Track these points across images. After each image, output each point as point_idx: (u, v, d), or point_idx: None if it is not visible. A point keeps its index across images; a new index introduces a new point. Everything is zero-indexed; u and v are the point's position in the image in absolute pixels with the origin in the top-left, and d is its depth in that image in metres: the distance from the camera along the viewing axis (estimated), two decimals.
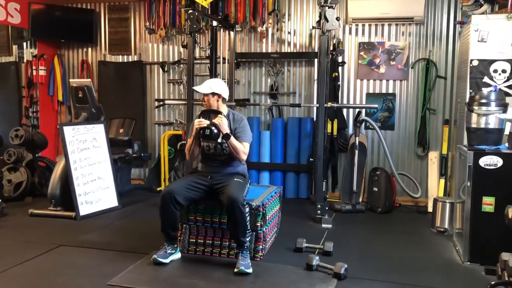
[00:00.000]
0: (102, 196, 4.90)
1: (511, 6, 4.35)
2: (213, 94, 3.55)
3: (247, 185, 3.64)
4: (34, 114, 6.68)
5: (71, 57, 6.81)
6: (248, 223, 3.37)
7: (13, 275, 3.17)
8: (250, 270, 3.20)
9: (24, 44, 6.71)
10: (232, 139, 3.44)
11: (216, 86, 3.58)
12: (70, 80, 5.65)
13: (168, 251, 3.41)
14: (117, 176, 5.23)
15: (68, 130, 4.73)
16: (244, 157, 3.52)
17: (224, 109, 3.61)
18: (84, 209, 4.66)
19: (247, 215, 3.36)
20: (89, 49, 6.71)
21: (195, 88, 3.70)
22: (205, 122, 3.39)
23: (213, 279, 3.14)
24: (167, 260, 3.37)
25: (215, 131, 3.37)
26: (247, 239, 3.37)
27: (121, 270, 3.22)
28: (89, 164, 4.83)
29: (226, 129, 3.40)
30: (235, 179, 3.48)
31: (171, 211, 3.34)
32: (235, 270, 3.19)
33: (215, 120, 3.40)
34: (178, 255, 3.50)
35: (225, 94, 3.64)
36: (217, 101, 3.57)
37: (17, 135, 5.27)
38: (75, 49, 6.78)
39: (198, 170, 3.70)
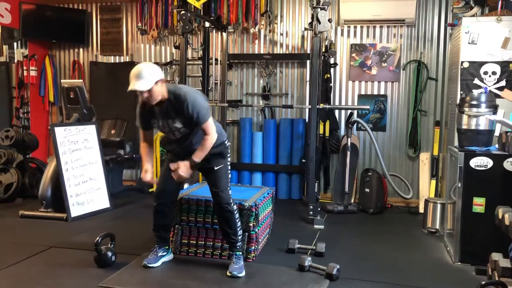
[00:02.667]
0: (93, 197, 4.87)
1: (501, 9, 4.39)
2: (156, 83, 2.95)
3: (228, 166, 3.31)
4: (25, 114, 6.63)
5: (62, 58, 6.77)
6: (238, 221, 3.31)
7: (3, 277, 3.14)
8: (242, 274, 3.18)
9: (15, 44, 6.66)
10: (199, 155, 3.05)
11: (150, 75, 2.94)
12: (62, 80, 5.62)
13: (159, 254, 3.39)
14: (109, 177, 5.20)
15: (59, 131, 4.70)
16: (214, 140, 3.07)
17: (164, 92, 3.02)
18: (75, 211, 4.63)
19: (235, 212, 3.29)
20: (81, 50, 6.68)
21: (134, 88, 2.95)
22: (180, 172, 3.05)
23: (206, 280, 3.13)
24: (157, 264, 3.34)
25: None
26: (239, 238, 3.32)
27: (113, 272, 3.21)
28: (80, 165, 4.80)
29: (187, 174, 3.05)
30: (215, 167, 3.21)
31: (165, 211, 3.33)
32: (228, 274, 3.18)
33: (174, 175, 3.08)
34: (170, 257, 3.48)
35: (161, 75, 3.03)
36: (160, 89, 3.00)
37: (8, 136, 5.23)
38: (66, 49, 6.74)
39: (172, 152, 3.34)
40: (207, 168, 3.26)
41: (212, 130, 3.05)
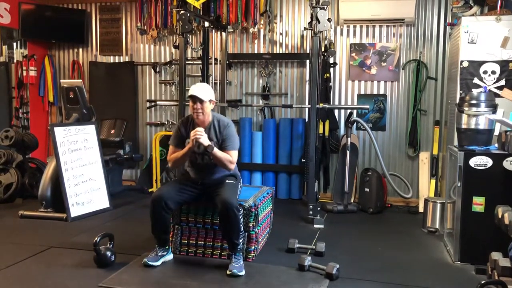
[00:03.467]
0: (93, 197, 4.87)
1: (500, 8, 4.39)
2: (210, 101, 3.35)
3: (239, 185, 3.59)
4: (25, 115, 6.63)
5: (62, 58, 6.77)
6: (241, 226, 3.35)
7: (3, 277, 3.14)
8: (242, 273, 3.20)
9: (14, 44, 6.66)
10: (216, 150, 3.28)
11: (209, 92, 3.35)
12: (61, 80, 5.62)
13: (159, 253, 3.40)
14: (109, 177, 5.20)
15: (59, 131, 4.70)
16: (231, 166, 3.38)
17: (210, 114, 3.41)
18: (75, 211, 4.63)
19: (240, 217, 3.33)
20: (80, 50, 6.68)
21: (195, 94, 3.26)
22: (201, 133, 3.24)
23: (206, 280, 3.13)
24: (157, 263, 3.35)
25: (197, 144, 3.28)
26: (240, 241, 3.36)
27: (113, 272, 3.21)
28: (80, 165, 4.80)
29: (206, 142, 3.23)
30: (227, 180, 3.44)
31: (162, 215, 3.32)
32: (228, 272, 3.18)
33: (192, 135, 3.24)
34: (170, 257, 3.48)
35: (214, 98, 3.45)
36: (208, 110, 3.37)
37: (7, 136, 5.23)
38: (66, 49, 6.74)
39: (188, 174, 3.59)
40: (216, 189, 3.36)
41: (233, 159, 3.37)
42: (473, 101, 3.64)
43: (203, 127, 3.34)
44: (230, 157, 3.34)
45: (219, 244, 3.54)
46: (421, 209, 5.03)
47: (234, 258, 3.29)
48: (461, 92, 4.37)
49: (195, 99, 3.27)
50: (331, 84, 5.64)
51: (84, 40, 6.53)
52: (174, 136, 3.51)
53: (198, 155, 3.42)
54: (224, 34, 5.77)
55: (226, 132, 3.38)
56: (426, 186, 5.35)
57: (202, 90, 3.29)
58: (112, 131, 6.09)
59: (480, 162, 3.43)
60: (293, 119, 5.76)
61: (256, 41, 5.97)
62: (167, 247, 3.47)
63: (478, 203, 3.46)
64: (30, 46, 6.53)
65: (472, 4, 4.95)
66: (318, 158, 5.23)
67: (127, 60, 6.49)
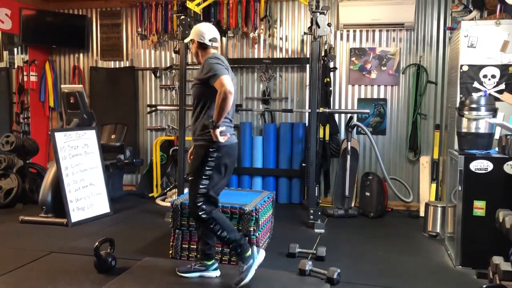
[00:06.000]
0: (94, 202, 4.87)
1: (500, 12, 4.41)
2: (191, 41, 3.11)
3: (209, 159, 2.93)
4: (25, 120, 6.63)
5: (62, 63, 6.79)
6: (220, 224, 2.97)
7: (3, 283, 3.14)
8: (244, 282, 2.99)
9: (15, 50, 6.67)
10: (215, 114, 2.81)
11: (192, 32, 3.11)
12: (62, 86, 5.63)
13: (194, 266, 3.22)
14: (109, 182, 5.21)
15: (59, 136, 4.70)
16: (225, 95, 2.77)
17: (202, 56, 3.08)
18: (75, 216, 4.63)
19: (211, 216, 2.96)
20: (81, 55, 6.69)
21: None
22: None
23: (206, 284, 3.13)
24: (189, 275, 3.19)
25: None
26: (231, 239, 3.00)
27: (113, 277, 3.20)
28: (80, 170, 4.81)
29: (215, 136, 2.84)
30: (194, 163, 3.02)
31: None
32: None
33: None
34: (209, 274, 3.21)
35: (195, 36, 3.07)
36: (196, 49, 3.10)
37: (8, 141, 5.24)
38: (66, 54, 6.75)
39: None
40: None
41: (223, 88, 2.77)
42: (473, 105, 3.65)
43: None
44: (219, 93, 2.78)
45: (220, 248, 3.53)
46: (422, 213, 5.02)
47: (239, 266, 3.04)
48: (461, 96, 4.38)
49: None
50: (331, 88, 5.65)
51: (84, 45, 6.54)
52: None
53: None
54: (224, 39, 5.79)
55: (205, 68, 2.91)
56: (426, 190, 5.35)
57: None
58: (113, 136, 6.09)
59: (481, 166, 3.43)
60: (294, 124, 5.76)
61: (256, 46, 5.99)
62: (209, 262, 3.23)
63: (479, 207, 3.45)
64: (31, 52, 6.54)
65: (472, 9, 4.96)
66: (318, 163, 5.23)
67: (127, 65, 6.51)
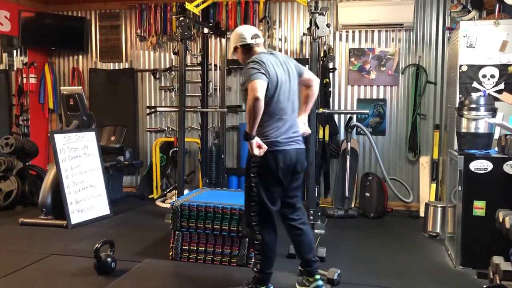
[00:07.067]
0: (93, 204, 4.86)
1: (499, 12, 4.41)
2: (235, 48, 3.00)
3: (259, 182, 2.83)
4: (25, 122, 6.62)
5: (62, 65, 6.79)
6: (258, 242, 2.89)
7: (3, 285, 3.14)
8: None
9: (14, 52, 6.66)
10: (250, 129, 2.66)
11: (232, 40, 3.01)
12: (61, 87, 5.64)
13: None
14: (109, 184, 5.20)
15: (59, 138, 4.70)
16: (252, 102, 2.60)
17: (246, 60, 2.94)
18: (75, 218, 4.63)
19: (256, 233, 2.88)
20: (80, 57, 6.69)
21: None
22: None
23: (206, 286, 3.12)
24: None
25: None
26: (257, 262, 2.88)
27: (113, 279, 3.20)
28: (80, 172, 4.81)
29: (252, 149, 2.71)
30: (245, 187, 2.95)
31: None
32: None
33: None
34: None
35: (236, 41, 2.97)
36: (242, 56, 3.00)
37: (8, 143, 5.24)
38: (66, 56, 6.75)
39: None
40: None
41: (252, 94, 2.60)
42: (473, 105, 3.65)
43: None
44: (249, 98, 2.64)
45: (220, 250, 3.53)
46: (421, 214, 5.02)
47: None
48: (460, 96, 4.38)
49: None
50: (331, 89, 5.65)
51: (84, 47, 6.54)
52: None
53: None
54: (223, 40, 5.78)
55: (244, 74, 2.84)
56: (426, 191, 5.35)
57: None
58: (112, 138, 6.09)
59: (480, 166, 3.43)
60: None
61: None
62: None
63: (479, 207, 3.45)
64: (30, 54, 6.54)
65: (470, 9, 4.96)
66: (318, 163, 5.23)
67: (127, 66, 6.50)
